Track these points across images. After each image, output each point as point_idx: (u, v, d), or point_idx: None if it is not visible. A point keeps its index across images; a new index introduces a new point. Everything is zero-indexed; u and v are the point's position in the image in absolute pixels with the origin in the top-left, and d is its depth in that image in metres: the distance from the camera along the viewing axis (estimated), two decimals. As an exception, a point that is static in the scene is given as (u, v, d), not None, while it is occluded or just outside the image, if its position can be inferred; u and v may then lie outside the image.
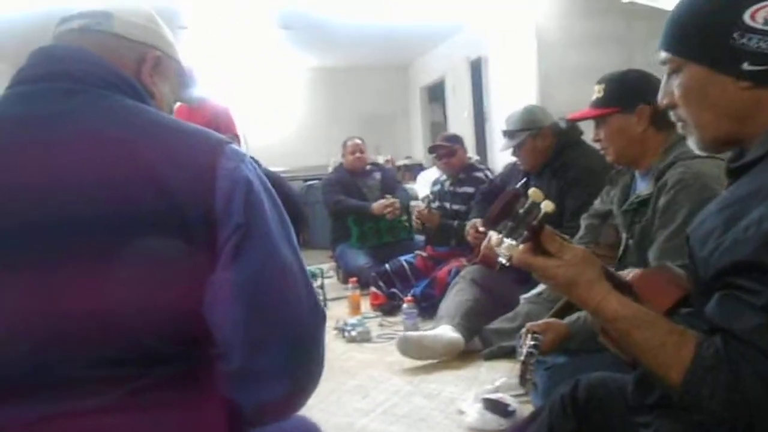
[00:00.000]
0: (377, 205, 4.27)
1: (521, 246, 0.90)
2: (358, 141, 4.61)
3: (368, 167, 4.68)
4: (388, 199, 4.27)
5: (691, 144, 0.96)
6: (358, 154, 4.56)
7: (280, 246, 0.85)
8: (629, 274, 1.06)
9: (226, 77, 7.34)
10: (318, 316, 0.89)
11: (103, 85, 0.87)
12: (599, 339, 1.03)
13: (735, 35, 0.84)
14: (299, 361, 0.86)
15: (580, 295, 0.88)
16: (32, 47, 0.91)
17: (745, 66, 0.84)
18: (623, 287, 0.93)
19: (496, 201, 0.91)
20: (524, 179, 3.03)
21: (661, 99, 0.96)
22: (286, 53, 7.03)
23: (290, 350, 0.84)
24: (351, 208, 4.39)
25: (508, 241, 0.90)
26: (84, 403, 0.76)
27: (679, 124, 0.96)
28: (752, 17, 0.83)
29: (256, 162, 3.89)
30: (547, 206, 0.87)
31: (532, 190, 0.89)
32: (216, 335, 0.82)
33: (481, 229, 3.06)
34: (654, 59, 1.01)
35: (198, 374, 0.83)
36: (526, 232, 0.88)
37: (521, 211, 0.88)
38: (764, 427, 0.71)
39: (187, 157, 0.83)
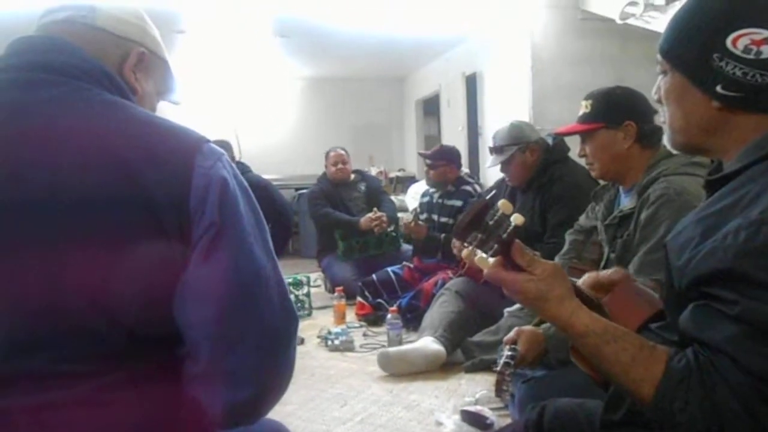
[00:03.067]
0: (365, 220, 4.20)
1: (491, 260, 0.88)
2: (341, 152, 4.51)
3: (353, 177, 4.59)
4: (375, 213, 4.21)
5: (665, 141, 1.00)
6: (340, 165, 4.47)
7: (254, 247, 0.84)
8: (610, 272, 1.07)
9: (222, 82, 7.37)
10: (290, 320, 0.87)
11: (81, 78, 0.86)
12: (571, 358, 1.03)
13: (715, 56, 0.84)
14: (268, 365, 0.84)
15: (550, 310, 0.87)
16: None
17: (719, 89, 0.85)
18: (593, 305, 0.93)
19: (465, 212, 0.89)
20: (506, 193, 3.04)
21: (653, 93, 0.98)
22: (282, 61, 7.06)
23: (259, 353, 0.83)
24: (339, 222, 4.31)
25: (479, 254, 0.89)
26: (48, 398, 0.75)
27: (660, 119, 0.99)
28: (734, 43, 0.83)
29: (246, 167, 3.89)
30: (516, 219, 0.86)
31: (501, 202, 0.87)
32: (184, 334, 0.81)
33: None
34: (645, 80, 1.03)
35: (165, 374, 0.82)
36: (496, 245, 0.86)
37: (491, 222, 0.86)
38: None
39: (164, 154, 0.82)
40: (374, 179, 4.97)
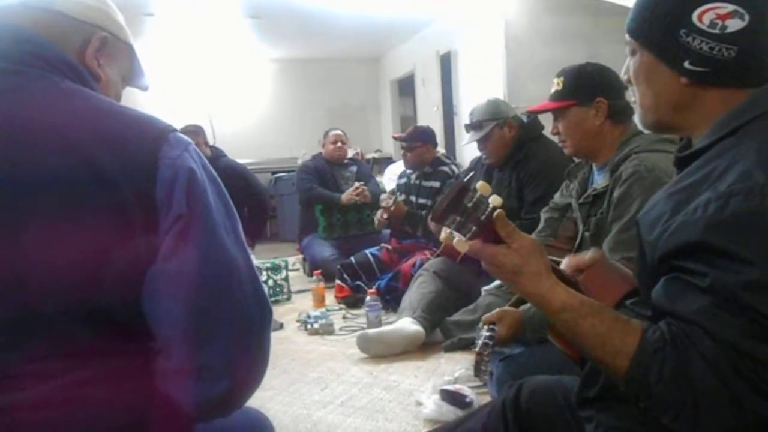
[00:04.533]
0: (345, 195, 4.31)
1: (470, 242, 0.87)
2: (340, 132, 4.67)
3: (346, 161, 4.72)
4: (355, 186, 4.32)
5: (636, 120, 1.00)
6: (339, 144, 4.61)
7: (224, 238, 0.82)
8: (587, 254, 1.08)
9: (193, 65, 7.24)
10: (263, 312, 0.86)
11: (40, 66, 0.83)
12: (548, 336, 1.04)
13: (682, 32, 0.85)
14: (242, 357, 0.83)
15: (526, 285, 0.87)
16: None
17: (686, 64, 0.86)
18: (570, 284, 0.94)
19: (443, 195, 0.88)
20: (482, 172, 3.05)
21: (623, 74, 0.99)
22: (254, 43, 6.95)
23: (233, 346, 0.81)
24: (320, 197, 4.40)
25: (458, 236, 0.88)
26: (13, 398, 0.73)
27: (631, 100, 1.00)
28: (699, 18, 0.84)
29: (220, 151, 3.84)
30: (495, 200, 0.85)
31: (480, 184, 0.86)
32: (155, 330, 0.79)
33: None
34: (619, 55, 1.04)
35: (138, 369, 0.80)
36: (474, 228, 0.86)
37: (469, 205, 0.85)
38: (709, 408, 0.71)
39: (128, 144, 0.79)
40: (365, 165, 5.16)
